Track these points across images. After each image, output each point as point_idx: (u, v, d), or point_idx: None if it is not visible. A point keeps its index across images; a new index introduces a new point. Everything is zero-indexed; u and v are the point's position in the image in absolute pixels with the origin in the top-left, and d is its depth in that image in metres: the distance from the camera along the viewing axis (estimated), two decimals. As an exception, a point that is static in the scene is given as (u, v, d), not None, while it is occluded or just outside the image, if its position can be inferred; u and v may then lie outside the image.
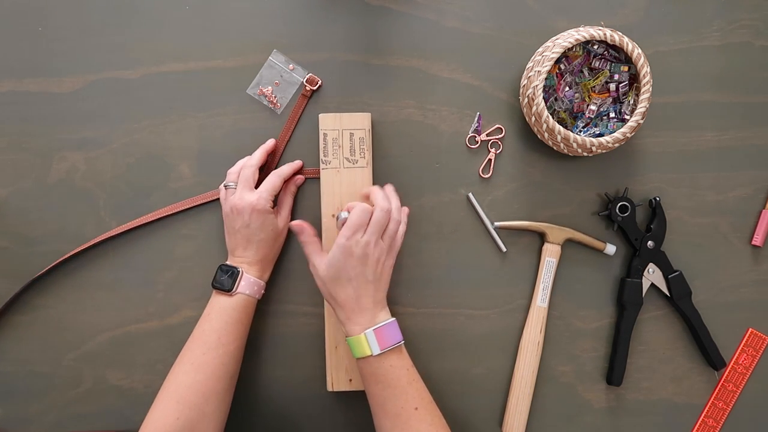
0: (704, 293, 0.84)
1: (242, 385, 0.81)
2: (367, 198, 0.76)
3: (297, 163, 0.82)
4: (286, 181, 0.81)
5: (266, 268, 0.80)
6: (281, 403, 0.83)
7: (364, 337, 0.71)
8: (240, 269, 0.76)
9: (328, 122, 0.79)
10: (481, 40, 0.84)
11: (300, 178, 0.83)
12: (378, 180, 0.81)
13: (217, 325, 0.74)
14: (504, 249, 0.83)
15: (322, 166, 0.79)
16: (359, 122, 0.79)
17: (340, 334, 0.79)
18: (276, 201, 0.81)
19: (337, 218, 0.75)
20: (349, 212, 0.72)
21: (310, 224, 0.75)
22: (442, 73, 0.83)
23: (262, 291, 0.79)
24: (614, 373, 0.82)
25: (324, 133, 0.79)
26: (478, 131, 0.83)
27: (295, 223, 0.75)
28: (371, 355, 0.71)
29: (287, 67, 0.83)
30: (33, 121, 0.83)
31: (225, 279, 0.76)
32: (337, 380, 0.79)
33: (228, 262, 0.78)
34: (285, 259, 0.83)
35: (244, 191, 0.77)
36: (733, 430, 0.83)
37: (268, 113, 0.83)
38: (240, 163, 0.80)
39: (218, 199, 0.82)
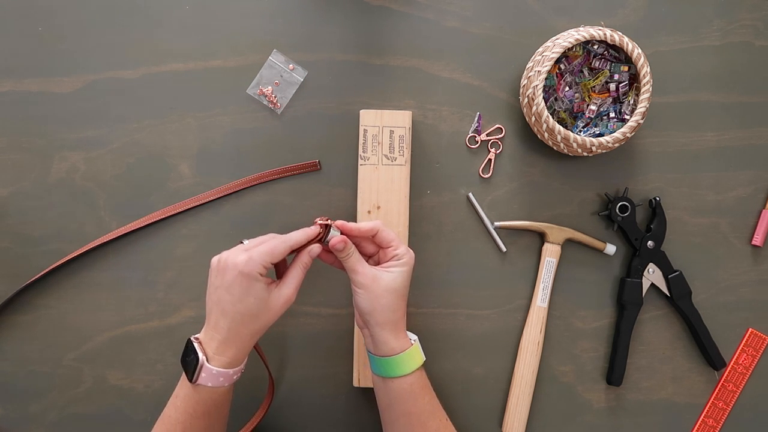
0: (704, 293, 0.84)
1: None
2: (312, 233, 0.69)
3: (312, 230, 0.68)
4: (299, 250, 0.68)
5: (241, 350, 0.65)
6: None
7: (417, 345, 0.69)
8: (201, 358, 0.63)
9: (369, 118, 0.79)
10: (481, 40, 0.84)
11: (317, 247, 0.69)
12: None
13: (182, 417, 0.65)
14: (504, 249, 0.83)
15: (360, 161, 0.79)
16: (400, 120, 0.79)
17: None
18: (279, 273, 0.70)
19: (326, 240, 0.69)
20: (338, 231, 0.69)
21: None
22: (442, 73, 0.83)
23: (235, 377, 0.66)
24: (614, 373, 0.82)
25: (364, 129, 0.79)
26: (478, 131, 0.83)
27: (338, 239, 0.67)
28: (423, 363, 0.69)
29: (287, 67, 0.83)
30: (33, 121, 0.83)
31: (189, 360, 0.65)
32: (364, 377, 0.80)
33: (200, 336, 0.66)
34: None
35: (240, 249, 0.65)
36: (733, 430, 0.83)
37: (268, 113, 0.83)
38: (271, 235, 0.69)
39: (218, 199, 0.82)
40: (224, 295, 0.64)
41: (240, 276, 0.63)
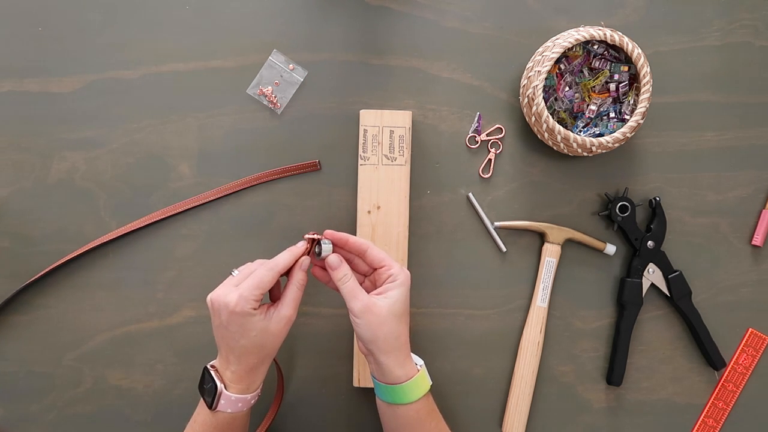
0: (704, 293, 0.84)
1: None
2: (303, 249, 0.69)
3: (299, 248, 0.68)
4: (291, 269, 0.68)
5: (256, 378, 0.67)
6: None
7: (424, 371, 0.68)
8: (219, 386, 0.65)
9: (369, 118, 0.79)
10: (481, 40, 0.84)
11: (306, 260, 0.68)
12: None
13: None
14: (504, 249, 0.83)
15: (360, 161, 0.79)
16: (400, 120, 0.79)
17: None
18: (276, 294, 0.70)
19: (318, 253, 0.69)
20: (329, 242, 0.69)
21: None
22: (442, 73, 0.83)
23: (253, 401, 0.68)
24: (614, 373, 0.82)
25: (364, 129, 0.79)
26: (478, 131, 0.83)
27: (334, 256, 0.67)
28: (430, 388, 0.68)
29: (287, 67, 0.83)
30: (33, 121, 0.83)
31: (208, 389, 0.66)
32: (364, 377, 0.80)
33: (215, 364, 0.68)
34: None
35: (230, 286, 0.65)
36: (733, 430, 0.83)
37: (268, 113, 0.83)
38: (259, 262, 0.69)
39: (218, 199, 0.83)
40: (226, 333, 0.65)
41: (233, 315, 0.64)
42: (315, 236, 0.69)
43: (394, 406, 0.67)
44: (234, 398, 0.65)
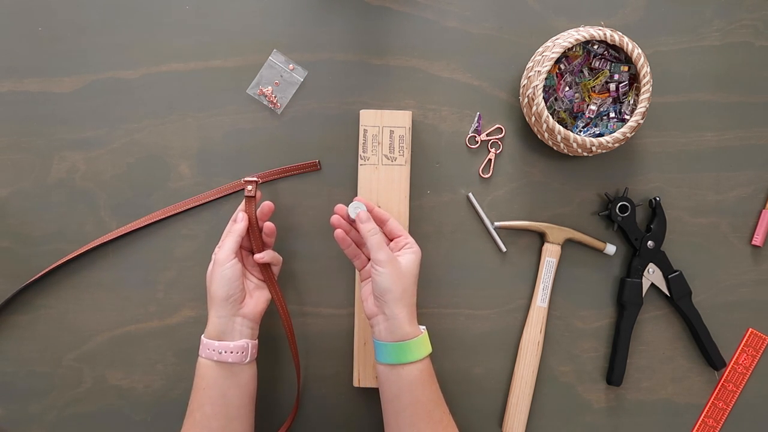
0: (704, 293, 0.84)
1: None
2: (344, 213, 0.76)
3: (240, 211, 0.77)
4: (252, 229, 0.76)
5: (211, 323, 0.72)
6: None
7: (426, 333, 0.71)
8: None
9: (369, 118, 0.79)
10: (481, 40, 0.84)
11: (241, 215, 0.76)
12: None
13: (193, 389, 0.73)
14: (504, 249, 0.83)
15: (360, 161, 0.79)
16: (400, 120, 0.79)
17: (369, 331, 0.78)
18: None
19: (351, 214, 0.75)
20: (362, 204, 0.74)
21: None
22: (442, 73, 0.83)
23: (223, 353, 0.71)
24: (614, 373, 0.82)
25: (364, 129, 0.79)
26: (478, 131, 0.83)
27: (365, 213, 0.73)
28: (430, 354, 0.71)
29: (287, 67, 0.83)
30: (33, 121, 0.83)
31: None
32: (365, 377, 0.80)
33: None
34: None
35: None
36: (733, 430, 0.83)
37: (268, 113, 0.83)
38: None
39: (218, 199, 0.83)
40: None
41: (215, 264, 0.74)
42: (254, 178, 0.76)
43: (398, 368, 0.69)
44: (205, 342, 0.72)
